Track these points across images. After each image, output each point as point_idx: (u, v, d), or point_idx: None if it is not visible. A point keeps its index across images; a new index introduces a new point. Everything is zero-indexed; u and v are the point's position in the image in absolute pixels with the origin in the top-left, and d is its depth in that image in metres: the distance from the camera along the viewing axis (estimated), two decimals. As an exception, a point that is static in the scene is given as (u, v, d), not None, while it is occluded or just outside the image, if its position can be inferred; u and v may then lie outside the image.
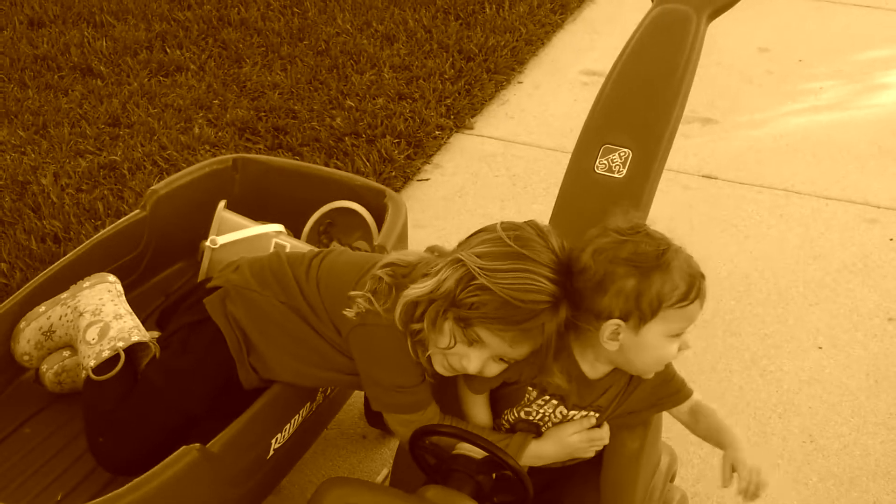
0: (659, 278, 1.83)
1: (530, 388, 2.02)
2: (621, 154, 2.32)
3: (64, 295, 2.40)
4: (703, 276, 1.88)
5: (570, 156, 2.41)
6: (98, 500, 1.88)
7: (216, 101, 4.20)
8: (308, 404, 2.30)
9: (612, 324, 1.85)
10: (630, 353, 1.90)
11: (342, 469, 2.65)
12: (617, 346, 1.88)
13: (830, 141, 4.16)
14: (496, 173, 3.97)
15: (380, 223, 2.77)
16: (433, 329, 1.90)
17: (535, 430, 2.06)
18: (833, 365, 3.03)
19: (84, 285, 2.40)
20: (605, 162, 2.32)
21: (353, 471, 2.65)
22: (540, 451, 2.03)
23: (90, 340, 2.25)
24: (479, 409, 2.08)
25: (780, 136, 4.20)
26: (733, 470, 1.97)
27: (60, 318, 2.34)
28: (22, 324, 2.37)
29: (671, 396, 2.07)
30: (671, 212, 3.70)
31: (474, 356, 1.90)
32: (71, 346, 2.35)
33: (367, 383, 2.08)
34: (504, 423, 2.09)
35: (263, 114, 4.13)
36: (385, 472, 2.51)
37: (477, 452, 1.96)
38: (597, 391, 2.01)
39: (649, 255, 1.84)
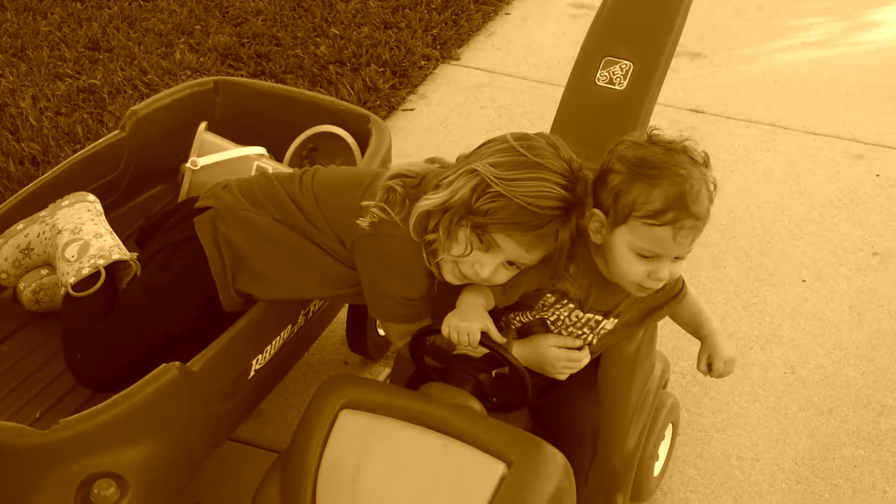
0: (641, 187, 1.85)
1: (549, 294, 2.03)
2: (622, 66, 2.32)
3: (42, 213, 2.35)
4: (694, 216, 1.83)
5: (557, 88, 2.40)
6: (76, 415, 1.87)
7: (198, 27, 4.12)
8: (290, 326, 2.28)
9: (597, 214, 1.90)
10: (606, 254, 1.93)
11: (323, 394, 2.64)
12: (600, 240, 1.92)
13: (819, 77, 4.13)
14: (482, 104, 3.92)
15: (363, 149, 2.74)
16: (448, 237, 1.92)
17: (546, 330, 2.07)
18: (816, 298, 3.03)
19: (63, 203, 2.36)
20: (606, 74, 2.33)
21: (335, 396, 2.64)
22: (515, 352, 2.04)
23: (69, 258, 2.22)
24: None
25: (769, 71, 4.17)
26: (709, 361, 2.10)
27: (38, 236, 2.31)
28: (0, 240, 2.34)
29: (675, 298, 2.09)
30: (658, 145, 3.67)
31: (488, 261, 1.93)
32: (49, 264, 2.32)
33: (371, 293, 2.08)
34: (515, 322, 2.10)
35: (246, 40, 4.07)
36: (386, 371, 2.50)
37: (477, 353, 1.97)
38: (618, 295, 2.02)
39: (646, 163, 1.85)
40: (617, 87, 2.32)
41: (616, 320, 2.06)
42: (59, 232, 2.28)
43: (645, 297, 2.03)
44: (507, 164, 1.90)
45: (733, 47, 4.32)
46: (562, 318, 2.05)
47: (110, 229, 2.32)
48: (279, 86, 3.47)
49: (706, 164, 1.92)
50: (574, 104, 2.33)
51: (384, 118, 3.75)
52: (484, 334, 1.92)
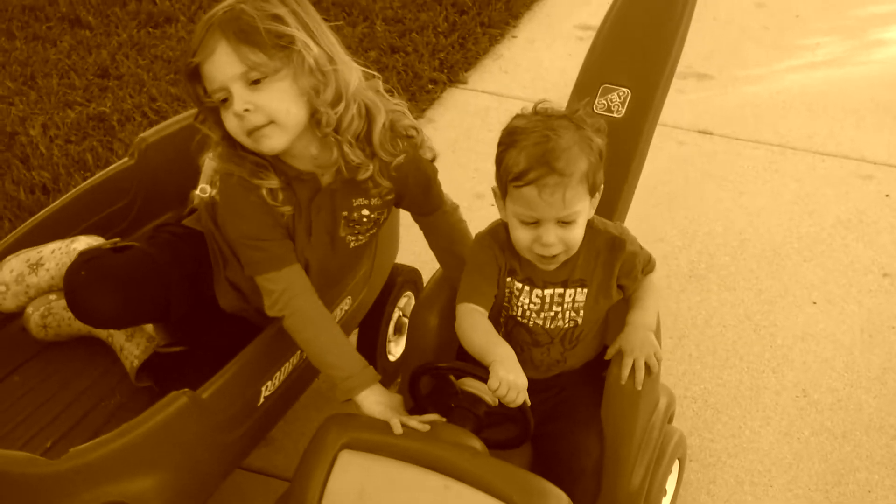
0: (511, 152, 1.90)
1: (509, 280, 2.04)
2: (620, 94, 2.31)
3: (56, 244, 2.37)
4: (558, 172, 1.84)
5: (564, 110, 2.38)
6: (87, 444, 1.86)
7: (207, 53, 4.14)
8: (299, 352, 2.28)
9: (494, 190, 1.98)
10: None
11: (334, 420, 2.63)
12: (504, 215, 1.98)
13: (827, 97, 4.13)
14: (489, 128, 3.93)
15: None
16: None
17: (528, 331, 2.08)
18: (827, 320, 3.02)
19: (80, 237, 2.37)
20: (604, 102, 2.32)
21: (345, 422, 2.63)
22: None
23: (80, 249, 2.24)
24: (476, 331, 2.04)
25: (777, 91, 4.16)
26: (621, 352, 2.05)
27: (53, 252, 2.31)
28: (9, 255, 2.33)
29: (622, 249, 2.05)
30: (666, 166, 3.67)
31: None
32: (58, 287, 2.31)
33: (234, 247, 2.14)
34: (502, 326, 2.10)
35: (254, 66, 4.08)
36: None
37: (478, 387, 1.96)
38: (567, 263, 2.01)
39: (518, 130, 1.91)
40: (615, 115, 2.31)
41: (585, 289, 2.04)
42: (76, 241, 2.31)
43: (599, 255, 2.03)
44: None
45: (740, 68, 4.33)
46: (526, 306, 2.05)
47: None
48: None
49: (597, 129, 1.93)
50: None
51: (392, 142, 3.75)
52: None
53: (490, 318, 2.03)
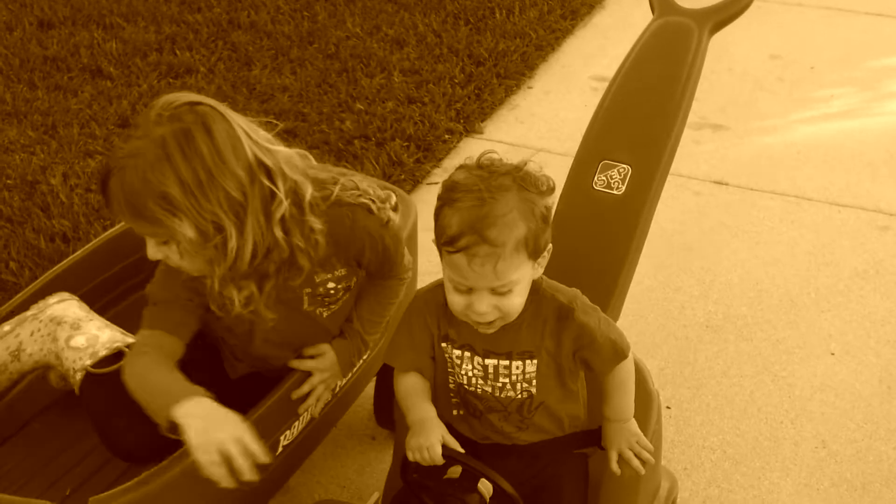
0: (445, 211, 1.76)
1: (445, 345, 1.96)
2: (620, 170, 2.27)
3: (29, 313, 2.29)
4: (490, 242, 1.71)
5: None
6: (106, 493, 1.86)
7: (225, 104, 4.15)
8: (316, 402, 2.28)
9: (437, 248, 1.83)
10: None
11: (350, 470, 2.63)
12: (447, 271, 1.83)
13: (842, 148, 4.14)
14: (506, 177, 3.95)
15: (389, 224, 2.76)
16: None
17: (477, 398, 1.99)
18: (845, 371, 3.00)
19: (51, 301, 2.31)
20: (604, 178, 2.28)
21: (362, 472, 2.63)
22: None
23: (78, 346, 2.17)
24: (399, 397, 2.02)
25: (792, 142, 4.18)
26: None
27: (32, 335, 2.23)
28: None
29: (570, 317, 1.91)
30: (682, 217, 3.68)
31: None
32: (44, 364, 2.25)
33: None
34: (453, 397, 2.03)
35: (273, 116, 4.11)
36: (376, 495, 2.41)
37: (457, 472, 1.90)
38: (509, 333, 1.90)
39: (456, 186, 1.76)
40: (615, 192, 2.25)
41: (534, 360, 1.93)
42: (59, 324, 2.22)
43: (546, 324, 1.90)
44: None
45: (755, 119, 4.35)
46: (470, 372, 1.96)
47: (108, 323, 2.29)
48: (306, 162, 3.52)
49: (542, 190, 1.79)
50: (571, 209, 2.26)
51: (409, 192, 3.78)
52: (444, 446, 1.85)
53: (438, 381, 1.99)
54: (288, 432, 2.22)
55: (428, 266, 2.63)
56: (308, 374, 2.23)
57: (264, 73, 4.41)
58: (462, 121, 4.24)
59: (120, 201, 1.86)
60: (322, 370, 2.24)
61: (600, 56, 4.84)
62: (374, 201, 2.12)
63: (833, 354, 3.06)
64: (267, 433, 2.14)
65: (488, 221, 1.72)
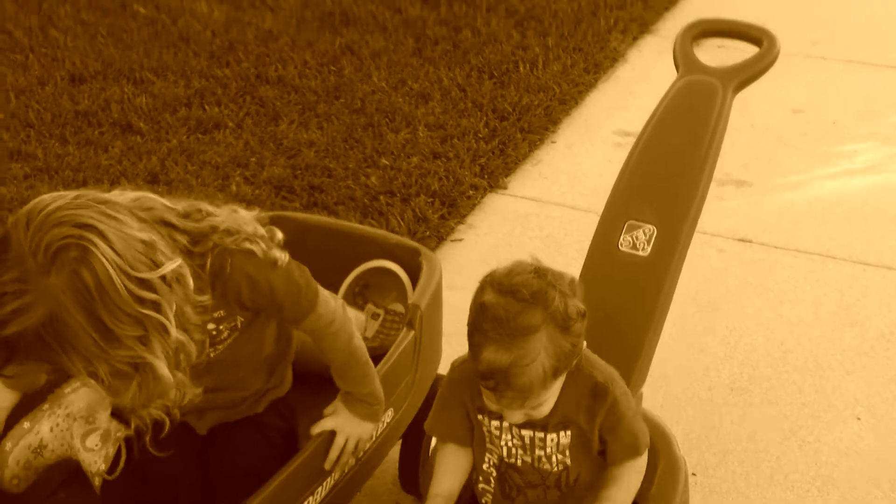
0: (477, 337, 1.81)
1: (481, 418, 1.99)
2: (646, 231, 2.29)
3: (45, 406, 2.29)
4: (517, 389, 1.77)
5: None
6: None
7: (253, 159, 4.24)
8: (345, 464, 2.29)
9: None
10: None
11: (376, 535, 2.64)
12: None
13: (866, 205, 4.14)
14: (530, 234, 3.97)
15: (414, 282, 2.78)
16: None
17: (517, 471, 2.02)
18: (872, 436, 2.99)
19: (66, 391, 2.31)
20: (630, 238, 2.30)
21: (387, 538, 2.64)
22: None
23: (92, 447, 2.20)
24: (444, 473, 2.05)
25: (816, 199, 4.18)
26: None
27: (52, 430, 2.24)
28: (7, 445, 2.22)
29: (604, 403, 1.95)
30: (706, 275, 3.68)
31: None
32: (67, 458, 2.26)
33: None
34: (494, 468, 2.04)
35: (299, 172, 4.17)
36: None
37: None
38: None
39: (486, 315, 1.78)
40: (640, 253, 2.27)
41: (569, 431, 1.96)
42: (75, 420, 2.24)
43: (582, 401, 1.92)
44: None
45: (778, 175, 4.36)
46: (509, 443, 1.99)
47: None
48: (332, 220, 3.56)
49: (572, 325, 1.80)
50: (597, 270, 2.29)
51: (434, 248, 3.80)
52: None
53: (476, 459, 2.01)
54: (311, 498, 2.23)
55: (455, 326, 2.63)
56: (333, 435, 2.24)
57: (291, 128, 4.47)
58: (486, 176, 4.27)
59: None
60: (341, 427, 2.24)
61: (623, 110, 4.87)
62: (258, 243, 2.02)
63: (859, 419, 3.05)
64: (290, 500, 2.15)
65: (515, 371, 1.76)
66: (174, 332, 1.77)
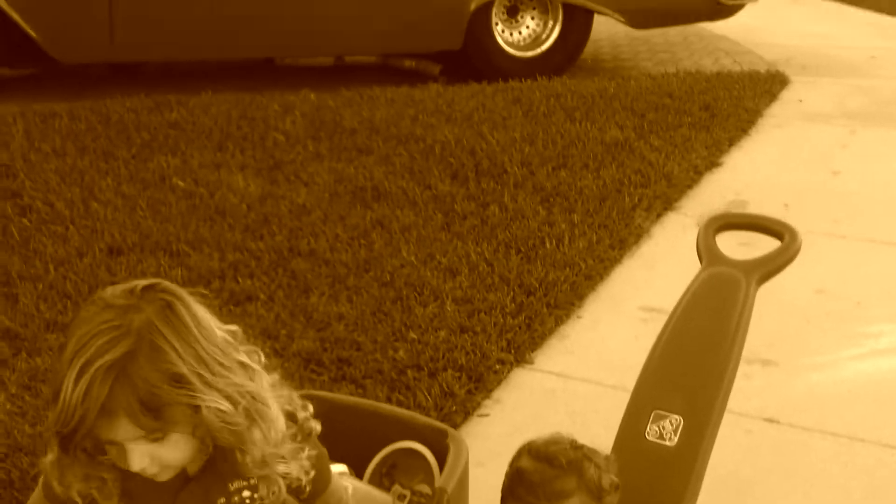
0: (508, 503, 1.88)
1: None
2: (672, 421, 2.32)
3: None
4: None
5: (629, 394, 2.42)
6: None
7: (283, 331, 4.31)
8: None
9: None
10: None
11: None
12: None
13: (893, 386, 4.14)
14: (556, 410, 3.98)
15: (441, 463, 2.79)
16: None
17: None
18: None
19: None
20: (656, 428, 2.33)
21: None
22: None
23: None
24: None
25: (842, 380, 4.19)
26: None
27: None
28: None
29: None
30: (735, 456, 3.66)
31: None
32: None
33: None
34: None
35: (328, 345, 4.23)
36: None
37: None
38: None
39: (522, 482, 1.88)
40: (668, 444, 2.30)
41: None
42: None
43: None
44: None
45: (804, 355, 4.38)
46: None
47: None
48: (361, 400, 3.59)
49: (599, 490, 1.85)
50: (623, 461, 2.26)
51: (460, 423, 3.82)
52: None
53: None
54: None
55: (480, 503, 2.64)
56: None
57: (321, 301, 4.55)
58: (513, 351, 4.31)
59: (130, 404, 1.79)
60: None
61: (648, 286, 4.94)
62: None
63: None
64: None
65: None
66: None
